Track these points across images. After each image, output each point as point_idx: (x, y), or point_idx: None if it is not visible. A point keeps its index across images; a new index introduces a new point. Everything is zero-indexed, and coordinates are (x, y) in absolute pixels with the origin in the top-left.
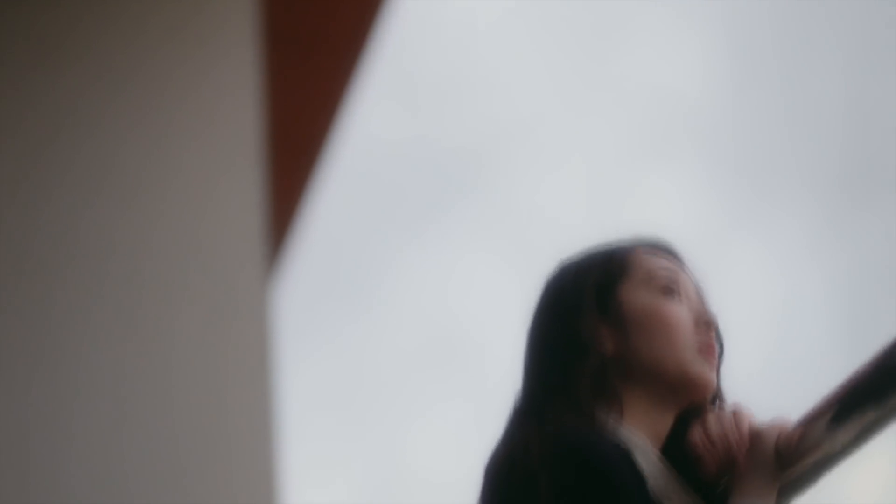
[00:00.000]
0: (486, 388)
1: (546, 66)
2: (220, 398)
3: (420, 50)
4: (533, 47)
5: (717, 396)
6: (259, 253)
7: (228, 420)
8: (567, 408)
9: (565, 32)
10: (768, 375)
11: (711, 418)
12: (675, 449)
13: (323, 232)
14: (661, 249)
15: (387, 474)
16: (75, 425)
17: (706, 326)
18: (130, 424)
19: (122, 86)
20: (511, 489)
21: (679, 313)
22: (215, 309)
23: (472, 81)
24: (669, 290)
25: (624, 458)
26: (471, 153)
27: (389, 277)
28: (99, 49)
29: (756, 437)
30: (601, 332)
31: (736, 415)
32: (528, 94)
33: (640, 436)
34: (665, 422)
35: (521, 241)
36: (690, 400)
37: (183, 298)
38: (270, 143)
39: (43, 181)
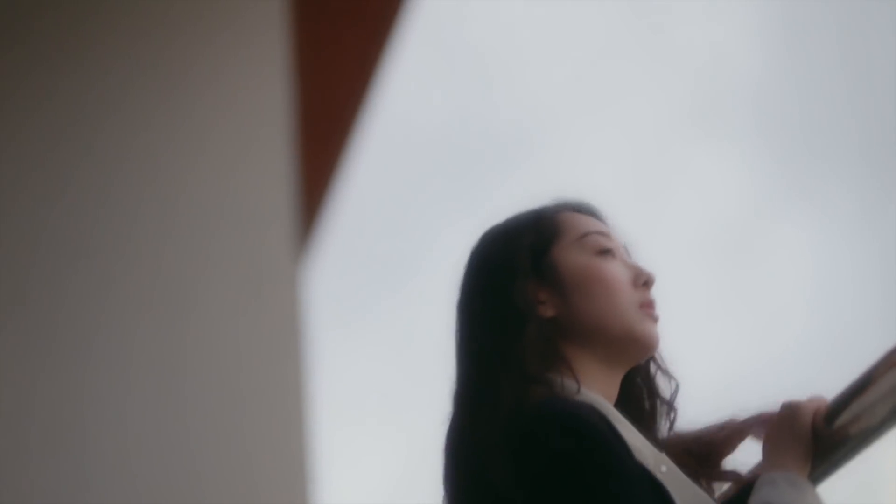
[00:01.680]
0: None
1: (587, 38)
2: (248, 379)
3: (455, 24)
4: (574, 18)
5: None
6: (289, 231)
7: (257, 401)
8: (519, 379)
9: (606, 2)
10: (815, 351)
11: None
12: (626, 411)
13: (356, 210)
14: (585, 210)
15: (425, 458)
16: (95, 402)
17: (645, 284)
18: (153, 407)
19: (149, 61)
20: (484, 476)
21: (617, 272)
22: (245, 289)
23: (510, 56)
24: (604, 249)
25: (601, 419)
26: (508, 129)
27: (424, 257)
28: (125, 24)
29: (794, 412)
30: (539, 295)
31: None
32: (568, 67)
33: (601, 397)
34: (614, 383)
35: None
36: (637, 358)
37: (211, 278)
38: (300, 119)
39: (67, 161)
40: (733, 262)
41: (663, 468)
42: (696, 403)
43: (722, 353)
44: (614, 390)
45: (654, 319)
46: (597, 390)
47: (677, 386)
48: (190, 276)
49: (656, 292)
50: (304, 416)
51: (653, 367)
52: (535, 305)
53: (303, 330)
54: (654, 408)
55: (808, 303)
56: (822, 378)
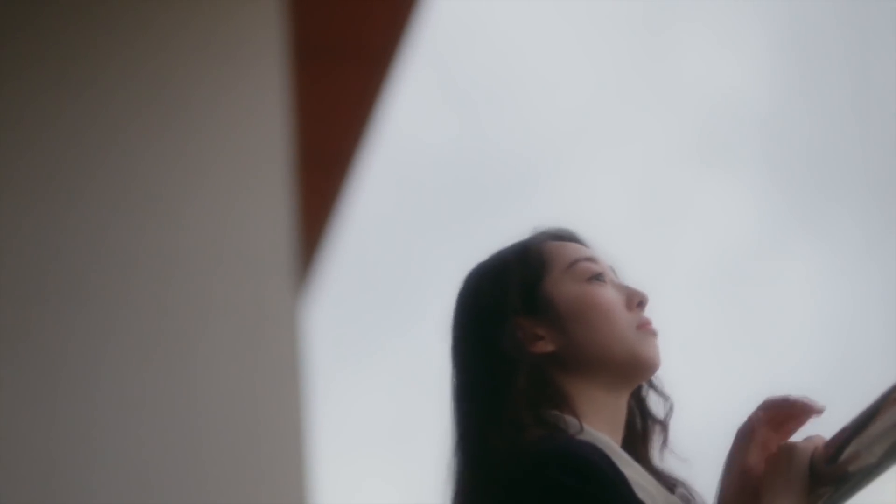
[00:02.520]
0: None
1: (594, 71)
2: (249, 414)
3: (459, 54)
4: (580, 53)
5: None
6: (289, 268)
7: (258, 437)
8: (515, 423)
9: (612, 31)
10: (818, 382)
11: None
12: (634, 436)
13: (356, 243)
14: (567, 237)
15: (428, 494)
16: (102, 438)
17: (639, 304)
18: (158, 443)
19: (150, 99)
20: None
21: (611, 296)
22: (246, 324)
23: (513, 89)
24: (594, 275)
25: (603, 458)
26: (512, 162)
27: (424, 292)
28: (126, 63)
29: (791, 451)
30: (537, 331)
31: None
32: (574, 100)
33: (604, 434)
34: (621, 408)
35: None
36: (642, 379)
37: (213, 314)
38: (300, 154)
39: (67, 199)
40: (739, 293)
41: None
42: (699, 435)
43: (726, 384)
44: (621, 415)
45: (654, 334)
46: (603, 420)
47: (671, 406)
48: (190, 314)
49: (660, 315)
50: (304, 451)
51: (644, 387)
52: (527, 345)
53: (303, 365)
54: (646, 428)
55: (813, 334)
56: (826, 409)
